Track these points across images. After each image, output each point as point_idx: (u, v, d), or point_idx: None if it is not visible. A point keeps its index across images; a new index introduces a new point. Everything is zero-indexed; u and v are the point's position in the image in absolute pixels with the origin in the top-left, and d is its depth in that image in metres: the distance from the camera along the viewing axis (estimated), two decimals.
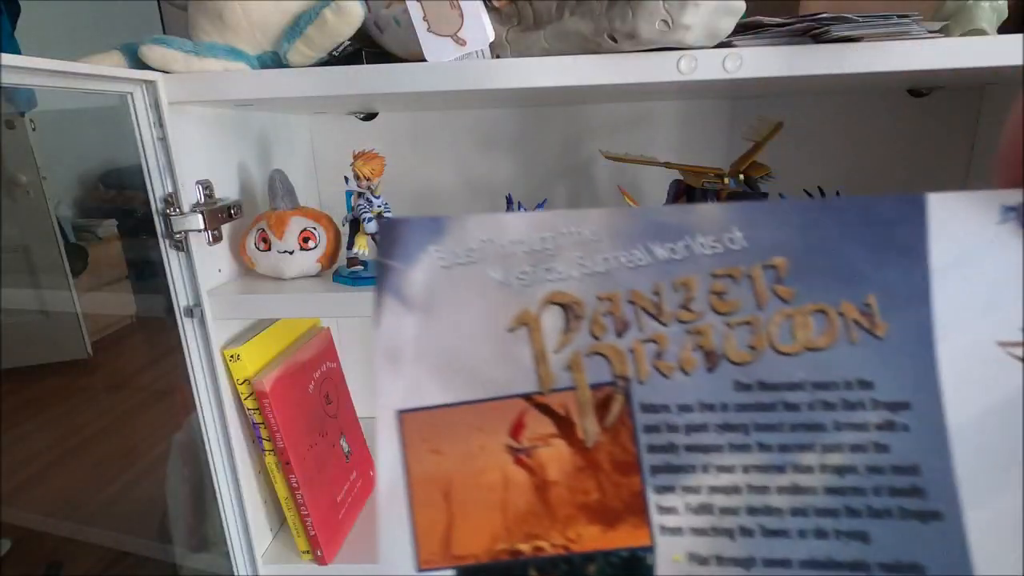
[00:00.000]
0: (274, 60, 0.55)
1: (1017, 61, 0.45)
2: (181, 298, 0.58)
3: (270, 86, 0.52)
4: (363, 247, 0.60)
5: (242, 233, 0.62)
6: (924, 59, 0.46)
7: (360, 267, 0.60)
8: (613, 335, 0.18)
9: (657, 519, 0.18)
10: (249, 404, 0.62)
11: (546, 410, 0.19)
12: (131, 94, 0.51)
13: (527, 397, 0.19)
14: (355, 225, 0.61)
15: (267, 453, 0.63)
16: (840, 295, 0.18)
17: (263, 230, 0.60)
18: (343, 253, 0.63)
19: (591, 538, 0.18)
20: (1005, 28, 0.49)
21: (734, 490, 0.18)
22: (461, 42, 0.48)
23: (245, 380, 0.61)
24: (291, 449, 0.62)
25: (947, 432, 0.17)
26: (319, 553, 0.65)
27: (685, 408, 0.18)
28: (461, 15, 0.47)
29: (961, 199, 0.17)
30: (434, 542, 0.19)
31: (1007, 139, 0.18)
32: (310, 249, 0.60)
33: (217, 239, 0.59)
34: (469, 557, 0.19)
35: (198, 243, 0.56)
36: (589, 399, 0.19)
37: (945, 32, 0.48)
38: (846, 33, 0.45)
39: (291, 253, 0.60)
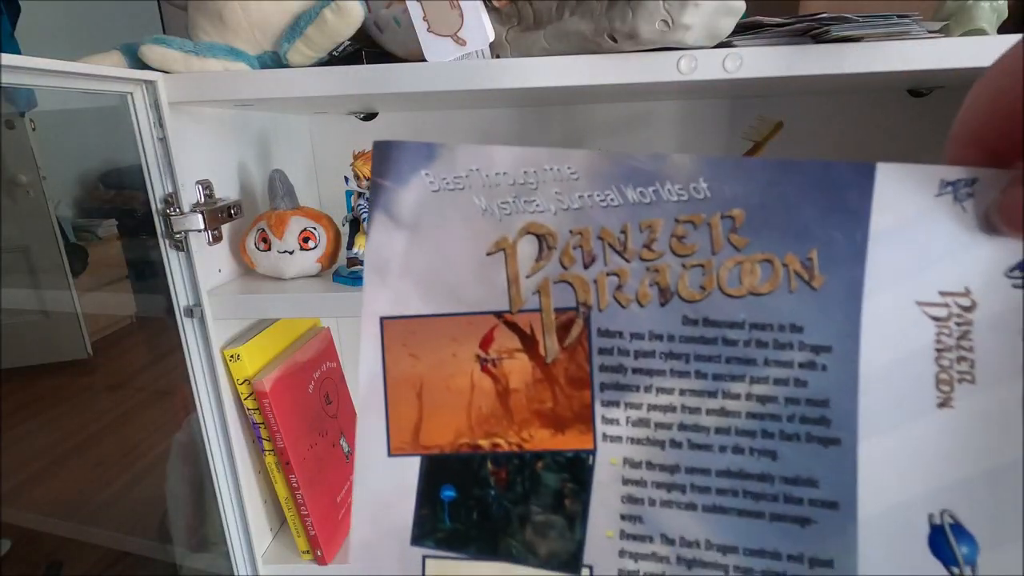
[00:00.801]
0: (274, 60, 0.55)
1: (1017, 61, 0.45)
2: (181, 298, 0.58)
3: (270, 86, 0.52)
4: (363, 247, 0.60)
5: (242, 233, 0.62)
6: (924, 59, 0.46)
7: (360, 267, 0.60)
8: (581, 266, 0.21)
9: (601, 428, 0.21)
10: (249, 404, 0.62)
11: (514, 327, 0.21)
12: (131, 94, 0.51)
13: (498, 315, 0.21)
14: (355, 225, 0.61)
15: (267, 453, 0.63)
16: (787, 248, 0.19)
17: (263, 230, 0.60)
18: (343, 253, 0.63)
19: (542, 440, 0.21)
20: (1005, 28, 0.49)
21: (670, 409, 0.20)
22: (461, 42, 0.48)
23: (245, 380, 0.61)
24: (291, 449, 0.62)
25: (858, 374, 0.19)
26: (319, 553, 0.65)
27: (637, 336, 0.20)
28: (461, 15, 0.47)
29: (907, 171, 0.19)
30: (405, 433, 0.21)
31: (959, 119, 0.20)
32: (310, 249, 0.60)
33: (217, 239, 0.59)
34: (434, 448, 0.21)
35: (198, 243, 0.56)
36: (553, 321, 0.21)
37: (945, 32, 0.48)
38: (846, 33, 0.45)
39: (291, 253, 0.60)
